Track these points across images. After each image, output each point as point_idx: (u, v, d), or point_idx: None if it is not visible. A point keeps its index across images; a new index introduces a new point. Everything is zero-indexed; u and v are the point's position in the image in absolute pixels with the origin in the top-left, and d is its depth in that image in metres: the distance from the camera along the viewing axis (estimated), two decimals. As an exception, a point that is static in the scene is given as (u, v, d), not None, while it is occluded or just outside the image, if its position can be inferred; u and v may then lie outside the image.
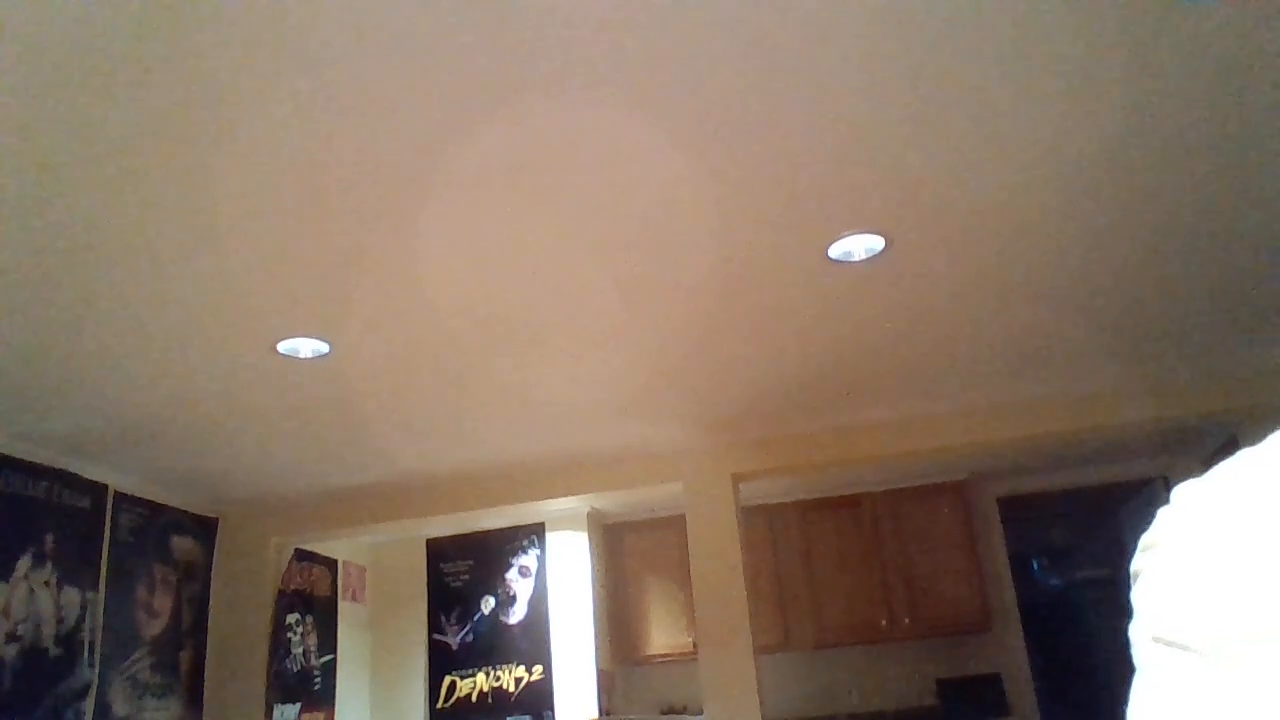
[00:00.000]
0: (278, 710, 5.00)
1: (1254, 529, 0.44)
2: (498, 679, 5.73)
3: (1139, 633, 0.48)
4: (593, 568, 5.81)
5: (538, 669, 5.67)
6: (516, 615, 5.82)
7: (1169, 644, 0.45)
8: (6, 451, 3.79)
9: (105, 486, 4.31)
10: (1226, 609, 0.43)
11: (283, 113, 2.02)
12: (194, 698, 4.78)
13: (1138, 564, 0.50)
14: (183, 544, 4.84)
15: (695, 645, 5.25)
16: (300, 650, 5.31)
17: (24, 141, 2.04)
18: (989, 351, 3.85)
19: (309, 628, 5.42)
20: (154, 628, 4.55)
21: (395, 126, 2.10)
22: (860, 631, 5.82)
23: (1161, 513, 0.50)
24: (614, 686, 5.81)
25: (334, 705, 5.58)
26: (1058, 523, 7.17)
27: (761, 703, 4.50)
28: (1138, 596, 0.49)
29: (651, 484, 4.94)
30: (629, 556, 6.15)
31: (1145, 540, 0.50)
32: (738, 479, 4.86)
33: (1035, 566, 7.58)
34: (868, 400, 4.36)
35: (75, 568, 4.06)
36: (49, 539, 3.94)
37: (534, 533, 5.89)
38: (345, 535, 5.46)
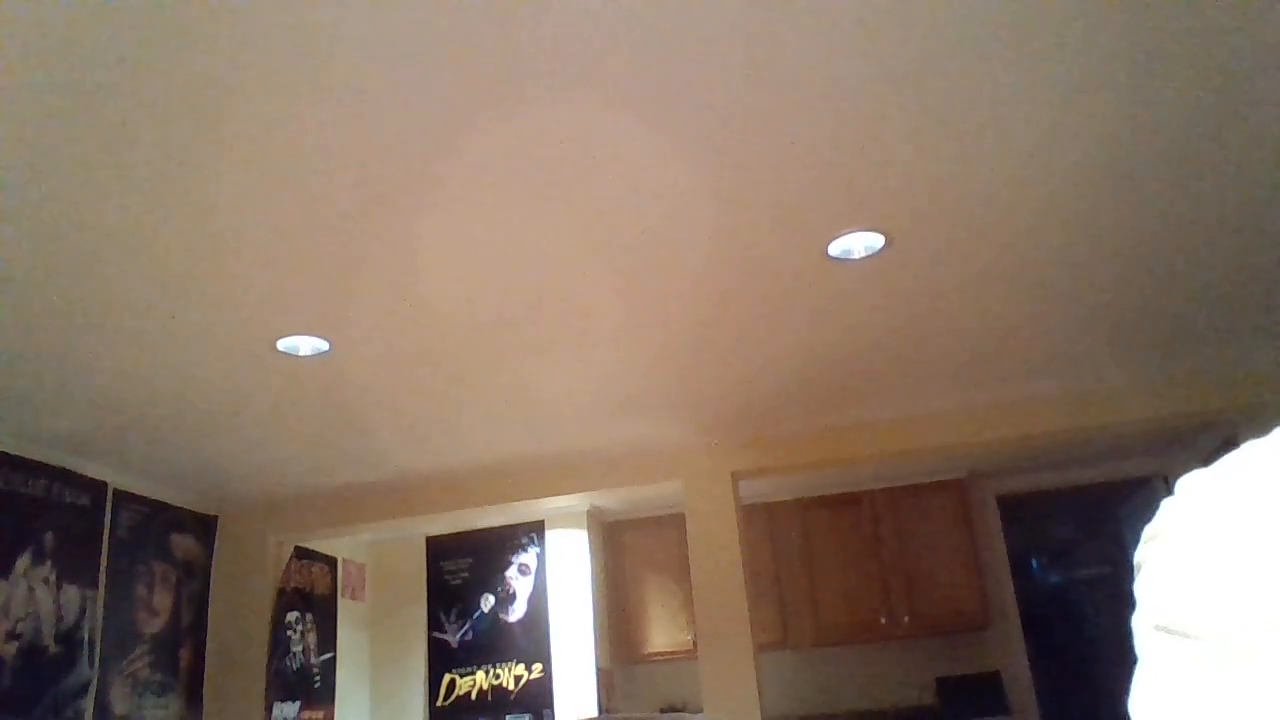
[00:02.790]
0: (277, 708, 5.00)
1: (1257, 520, 0.44)
2: (497, 677, 5.74)
3: (1141, 622, 0.48)
4: (592, 566, 5.81)
5: (537, 667, 5.67)
6: (516, 613, 5.82)
7: (1170, 632, 0.45)
8: (6, 449, 3.79)
9: (104, 484, 4.31)
10: (1228, 597, 0.43)
11: (282, 111, 2.02)
12: (193, 696, 4.78)
13: (1141, 554, 0.50)
14: (182, 542, 4.84)
15: (695, 643, 5.25)
16: (300, 648, 5.31)
17: (23, 141, 2.03)
18: (989, 350, 3.85)
19: (308, 626, 5.42)
20: (153, 626, 4.55)
21: (395, 126, 2.10)
22: (860, 629, 5.82)
23: (1165, 503, 0.50)
24: (613, 684, 5.81)
25: (334, 703, 5.58)
26: (1057, 521, 7.17)
27: (761, 701, 4.50)
28: (1141, 586, 0.49)
29: (651, 482, 4.94)
30: (629, 554, 6.15)
31: (1149, 531, 0.50)
32: (737, 477, 4.86)
33: (1035, 565, 7.58)
34: (868, 398, 4.36)
35: (75, 566, 4.06)
36: (48, 537, 3.94)
37: (534, 531, 5.89)
38: (345, 533, 5.45)
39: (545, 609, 5.76)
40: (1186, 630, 0.44)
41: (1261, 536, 0.43)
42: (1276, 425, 0.47)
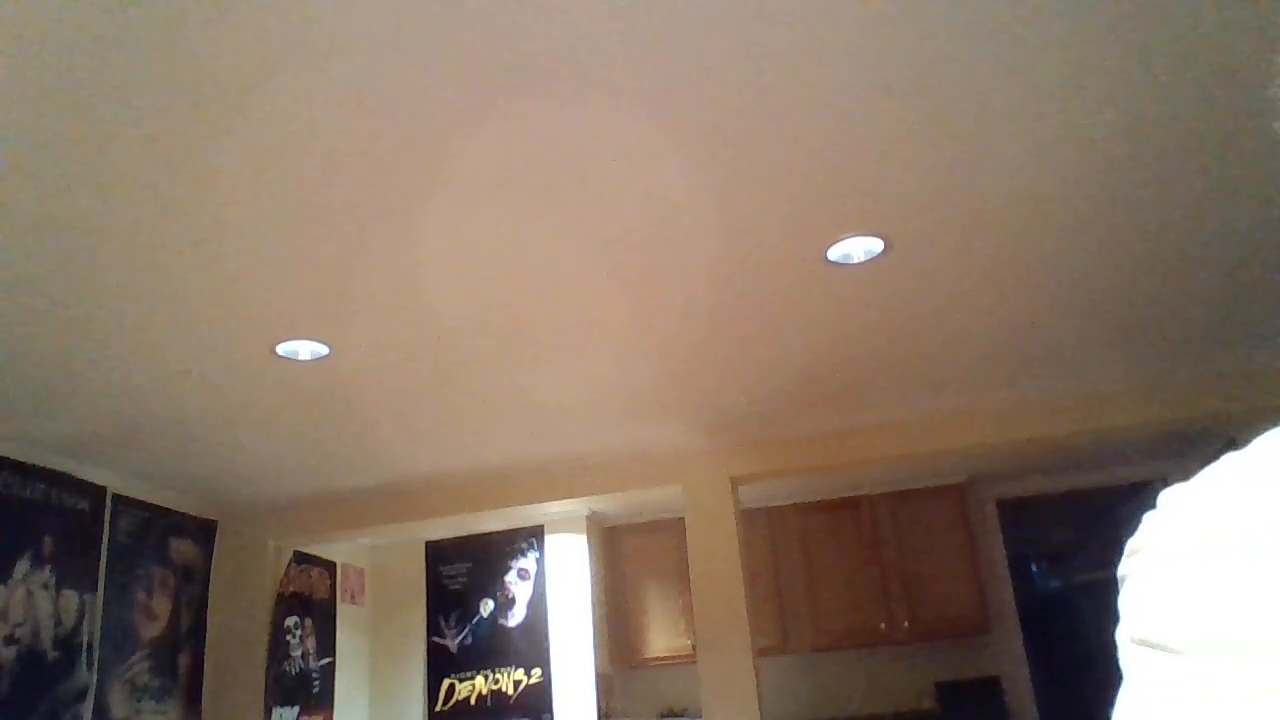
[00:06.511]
0: (276, 713, 4.99)
1: (1239, 532, 0.44)
2: (496, 682, 5.73)
3: (1125, 636, 0.48)
4: (592, 570, 5.80)
5: (536, 672, 5.67)
6: (515, 618, 5.81)
7: (1151, 645, 0.45)
8: (5, 453, 3.79)
9: (104, 489, 4.31)
10: (1209, 611, 0.43)
11: (283, 113, 2.02)
12: (192, 701, 4.78)
13: (1124, 568, 0.50)
14: (181, 546, 4.84)
15: (694, 648, 5.25)
16: (299, 653, 5.30)
17: (24, 142, 2.04)
18: (989, 353, 3.85)
19: (308, 630, 5.42)
20: (152, 630, 4.55)
21: (395, 127, 2.11)
22: (859, 634, 5.82)
23: (1147, 517, 0.50)
24: (613, 689, 5.80)
25: (333, 708, 5.57)
26: (1057, 525, 7.16)
27: (760, 706, 4.50)
28: (1124, 600, 0.49)
29: (651, 486, 4.94)
30: (628, 559, 6.14)
31: (1131, 545, 0.50)
32: (737, 481, 4.86)
33: (1034, 569, 7.57)
34: (867, 402, 4.36)
35: (73, 570, 4.06)
36: (47, 541, 3.93)
37: (533, 535, 5.89)
38: (344, 538, 5.45)
39: (545, 614, 5.75)
40: (1169, 644, 0.44)
41: (1242, 550, 0.43)
42: (1276, 428, 0.47)
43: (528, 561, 5.87)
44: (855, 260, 2.91)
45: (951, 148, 2.36)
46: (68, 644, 3.98)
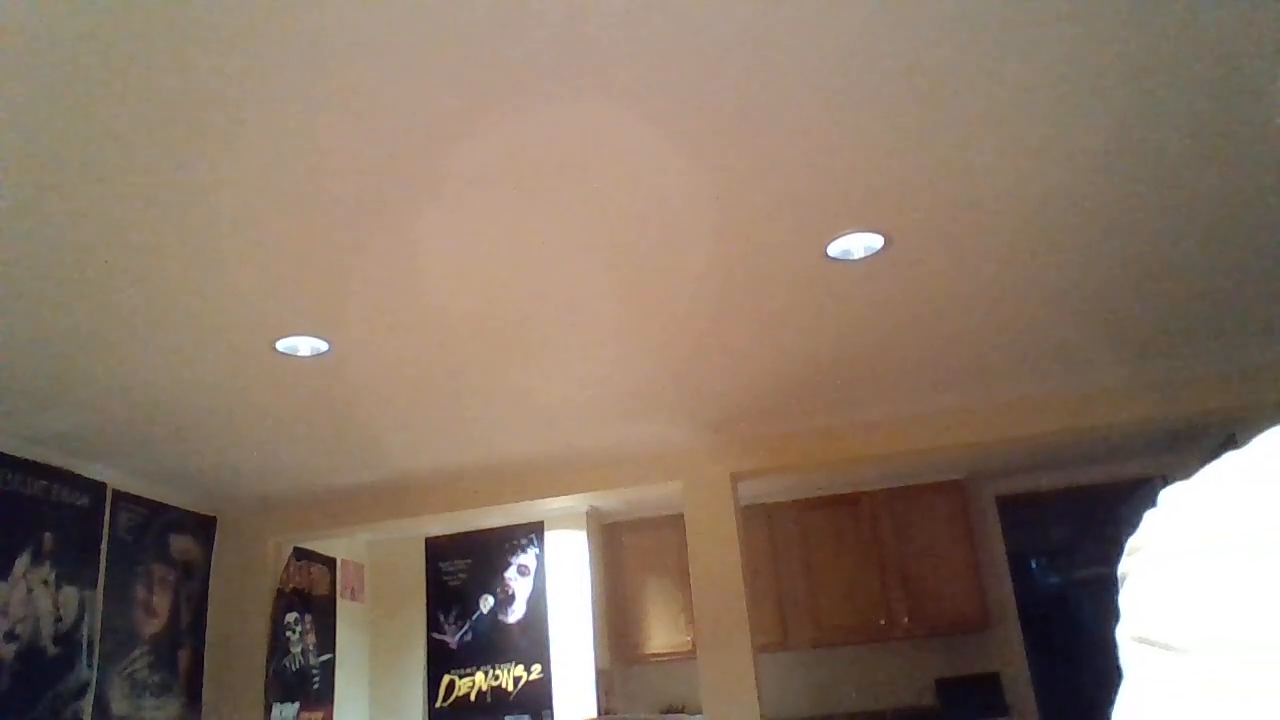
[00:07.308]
0: (276, 709, 5.00)
1: (1239, 531, 0.44)
2: (496, 678, 5.73)
3: (1125, 634, 0.48)
4: (592, 567, 5.81)
5: (536, 668, 5.67)
6: (515, 614, 5.82)
7: (1151, 644, 0.45)
8: (5, 450, 3.79)
9: (104, 485, 4.31)
10: (1210, 610, 0.43)
11: (283, 112, 2.02)
12: (192, 697, 4.78)
13: (1124, 566, 0.50)
14: (181, 543, 4.84)
15: (694, 644, 5.25)
16: (299, 649, 5.31)
17: (24, 141, 2.03)
18: (989, 351, 3.85)
19: (307, 626, 5.42)
20: (152, 627, 4.55)
21: (395, 126, 2.10)
22: (859, 630, 5.82)
23: (1148, 515, 0.50)
24: (613, 686, 5.81)
25: (332, 704, 5.58)
26: (1056, 522, 7.17)
27: (760, 702, 4.50)
28: (1124, 599, 0.49)
29: (651, 483, 4.94)
30: (628, 555, 6.15)
31: (1132, 543, 0.50)
32: (737, 478, 4.86)
33: (1034, 565, 7.58)
34: (867, 399, 4.36)
35: (74, 567, 4.06)
36: (47, 538, 3.94)
37: (533, 532, 5.89)
38: (344, 534, 5.46)
39: (544, 610, 5.75)
40: (1170, 643, 0.44)
41: (1242, 548, 0.43)
42: (1276, 425, 0.47)
43: (527, 558, 5.88)
44: (855, 256, 2.91)
45: (952, 144, 2.36)
46: (68, 640, 3.99)
